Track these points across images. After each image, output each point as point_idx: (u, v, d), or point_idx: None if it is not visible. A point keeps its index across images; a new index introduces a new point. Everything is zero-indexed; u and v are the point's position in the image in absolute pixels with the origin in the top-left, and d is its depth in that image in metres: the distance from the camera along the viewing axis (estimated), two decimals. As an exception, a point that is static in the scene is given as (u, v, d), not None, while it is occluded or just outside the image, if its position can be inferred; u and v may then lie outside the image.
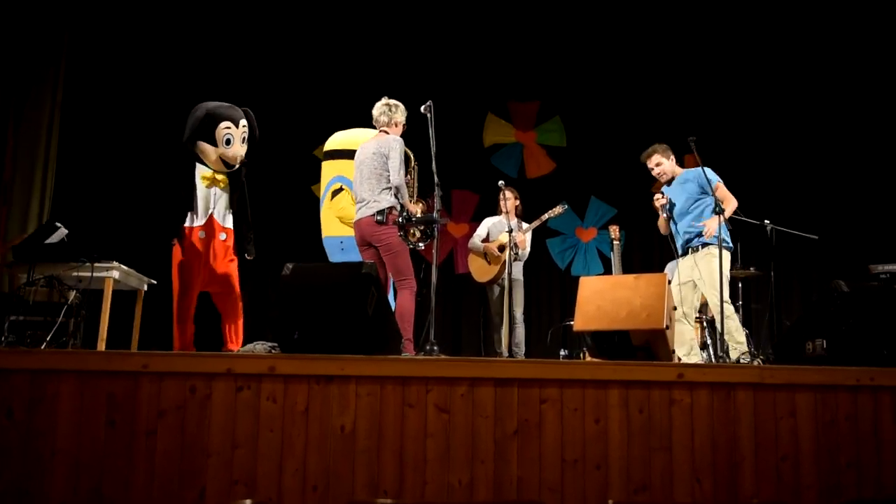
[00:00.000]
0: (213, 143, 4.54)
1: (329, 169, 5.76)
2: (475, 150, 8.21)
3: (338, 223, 5.56)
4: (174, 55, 7.28)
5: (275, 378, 2.79)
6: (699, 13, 7.94)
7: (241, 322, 4.56)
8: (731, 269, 6.41)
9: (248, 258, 4.65)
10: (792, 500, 2.89)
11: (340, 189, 5.57)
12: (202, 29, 7.38)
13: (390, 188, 4.70)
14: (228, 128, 4.57)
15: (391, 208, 4.66)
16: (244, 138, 4.65)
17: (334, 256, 5.52)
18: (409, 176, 5.06)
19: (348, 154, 5.61)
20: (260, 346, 3.36)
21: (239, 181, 4.67)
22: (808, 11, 7.82)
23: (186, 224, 4.44)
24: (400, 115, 4.96)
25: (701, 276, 4.98)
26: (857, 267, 6.45)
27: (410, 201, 4.88)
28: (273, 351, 3.22)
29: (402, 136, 4.87)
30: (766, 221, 6.06)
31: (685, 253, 5.22)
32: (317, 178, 5.99)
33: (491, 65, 8.09)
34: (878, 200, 7.93)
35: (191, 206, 4.44)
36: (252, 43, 7.50)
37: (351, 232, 5.52)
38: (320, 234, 5.80)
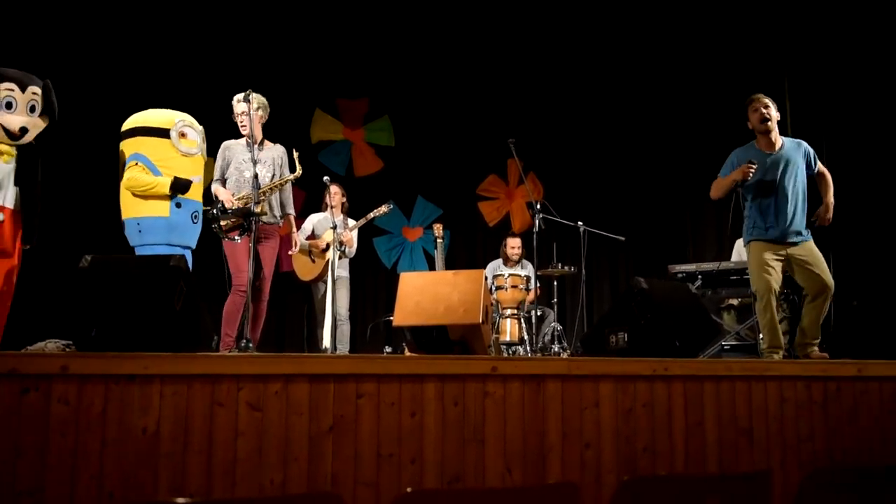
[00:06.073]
0: None
1: (126, 148, 5.44)
2: (302, 147, 8.04)
3: (134, 203, 5.24)
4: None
5: (68, 378, 2.56)
6: (520, 19, 8.24)
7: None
8: (548, 268, 6.75)
9: (25, 247, 4.10)
10: (594, 484, 3.05)
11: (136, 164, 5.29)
12: None
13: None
14: (11, 90, 4.06)
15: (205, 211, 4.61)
16: (32, 107, 4.13)
17: (133, 239, 5.21)
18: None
19: (144, 131, 5.35)
20: (52, 345, 3.08)
21: (31, 157, 4.15)
22: (620, 25, 8.33)
23: None
24: (236, 108, 4.86)
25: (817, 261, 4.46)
26: (659, 267, 6.99)
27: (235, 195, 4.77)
28: (67, 350, 2.97)
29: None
30: (579, 223, 6.39)
31: (780, 242, 4.50)
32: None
33: (320, 60, 7.98)
34: (678, 208, 8.63)
35: None
36: (52, 23, 6.91)
37: (149, 213, 5.23)
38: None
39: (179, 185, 5.00)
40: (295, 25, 7.79)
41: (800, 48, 7.28)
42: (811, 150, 4.63)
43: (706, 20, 7.85)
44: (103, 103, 6.82)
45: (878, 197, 6.75)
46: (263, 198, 4.70)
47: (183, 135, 5.28)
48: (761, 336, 5.39)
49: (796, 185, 4.51)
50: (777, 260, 4.46)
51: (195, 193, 5.21)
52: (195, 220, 5.11)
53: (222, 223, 4.39)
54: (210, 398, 2.69)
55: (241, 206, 4.64)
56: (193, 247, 5.21)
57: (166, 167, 5.15)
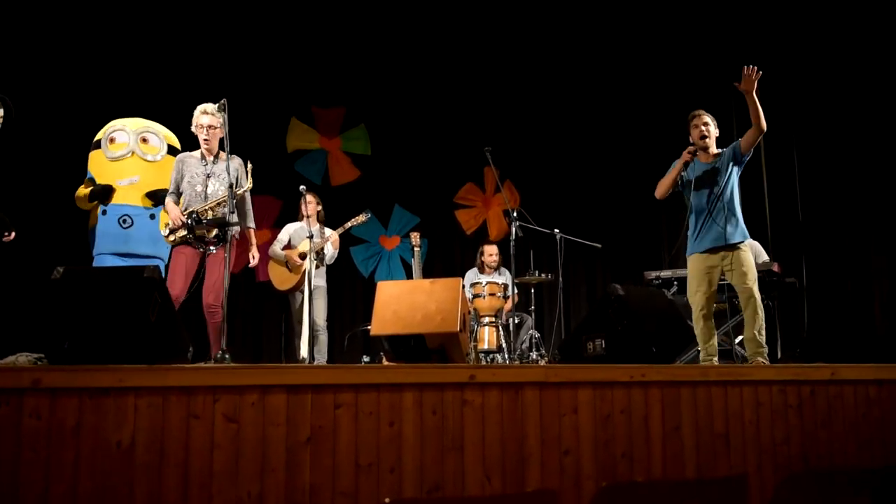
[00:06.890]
0: None
1: None
2: (278, 155, 8.04)
3: (90, 215, 5.24)
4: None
5: (40, 392, 2.53)
6: (496, 28, 8.26)
7: None
8: (525, 276, 6.76)
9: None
10: (573, 491, 3.05)
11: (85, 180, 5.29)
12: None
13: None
14: None
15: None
16: None
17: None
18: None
19: (93, 146, 5.36)
20: (23, 358, 3.03)
21: None
22: (594, 34, 8.39)
23: None
24: (199, 120, 4.72)
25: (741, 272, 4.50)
26: (635, 273, 7.04)
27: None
28: (39, 363, 2.93)
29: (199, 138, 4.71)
30: (555, 230, 6.42)
31: (714, 251, 4.60)
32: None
33: (296, 69, 7.96)
34: (653, 215, 8.70)
35: None
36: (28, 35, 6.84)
37: (90, 224, 5.21)
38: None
39: (97, 193, 4.95)
40: (271, 34, 7.76)
41: (766, 52, 7.37)
42: (735, 142, 4.65)
43: (675, 28, 7.94)
44: (76, 114, 6.76)
45: (846, 200, 6.86)
46: (213, 212, 4.52)
47: (112, 140, 5.28)
48: (737, 341, 5.46)
49: (728, 193, 4.61)
50: (711, 268, 4.58)
51: (126, 196, 5.16)
52: (124, 225, 5.02)
53: (197, 233, 4.33)
54: (186, 410, 2.66)
55: (187, 220, 4.52)
56: (141, 253, 5.10)
57: (102, 176, 5.16)
